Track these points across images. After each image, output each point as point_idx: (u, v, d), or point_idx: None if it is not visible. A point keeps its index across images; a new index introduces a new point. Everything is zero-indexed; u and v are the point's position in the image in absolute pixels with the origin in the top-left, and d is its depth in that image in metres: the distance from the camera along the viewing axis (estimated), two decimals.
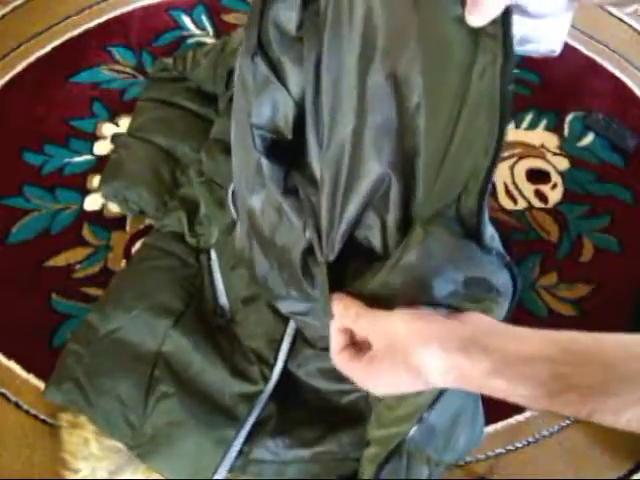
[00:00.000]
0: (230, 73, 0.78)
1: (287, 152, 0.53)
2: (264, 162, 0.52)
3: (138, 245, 0.76)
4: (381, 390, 0.44)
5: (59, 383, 0.62)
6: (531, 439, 0.66)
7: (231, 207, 0.66)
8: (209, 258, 0.70)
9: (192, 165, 0.76)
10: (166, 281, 0.68)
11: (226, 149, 0.73)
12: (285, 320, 0.64)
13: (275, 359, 0.63)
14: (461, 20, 0.39)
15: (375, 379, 0.43)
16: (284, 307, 0.61)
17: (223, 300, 0.68)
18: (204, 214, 0.72)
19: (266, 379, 0.62)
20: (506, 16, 0.38)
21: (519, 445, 0.66)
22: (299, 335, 0.64)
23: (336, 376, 0.62)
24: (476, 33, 0.39)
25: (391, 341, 0.41)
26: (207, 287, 0.68)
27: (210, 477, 0.57)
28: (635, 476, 0.64)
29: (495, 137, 0.41)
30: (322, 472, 0.59)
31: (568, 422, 0.67)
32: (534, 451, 0.66)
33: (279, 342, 0.63)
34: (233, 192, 0.66)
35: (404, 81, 0.43)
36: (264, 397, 0.61)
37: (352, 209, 0.48)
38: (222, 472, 0.58)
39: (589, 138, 0.90)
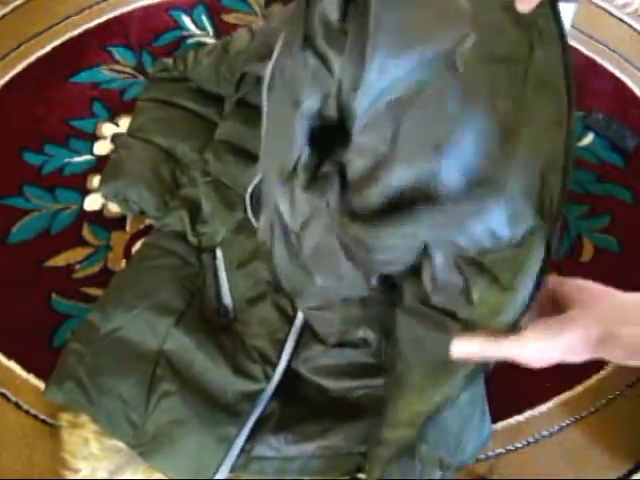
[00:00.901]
0: (242, 77, 0.78)
1: (326, 139, 0.55)
2: (305, 150, 0.54)
3: (138, 245, 0.76)
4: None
5: (60, 382, 0.62)
6: (531, 439, 0.66)
7: (248, 207, 0.67)
8: (214, 257, 0.70)
9: (194, 165, 0.77)
10: (167, 280, 0.68)
11: (233, 151, 0.74)
12: (290, 320, 0.65)
13: (278, 358, 0.63)
14: (510, 6, 0.42)
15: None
16: (302, 303, 0.62)
17: (227, 299, 0.68)
18: (208, 213, 0.72)
19: (268, 378, 0.62)
20: None
21: (519, 445, 0.66)
22: (308, 331, 0.65)
23: (342, 373, 0.63)
24: (526, 16, 0.42)
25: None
26: (210, 286, 0.69)
27: (212, 476, 0.57)
28: (635, 476, 0.64)
29: (565, 110, 0.43)
30: (325, 467, 0.59)
31: (568, 422, 0.67)
32: (534, 451, 0.66)
33: (283, 342, 0.64)
34: (252, 193, 0.67)
35: (465, 71, 0.45)
36: (266, 395, 0.61)
37: (390, 183, 0.48)
38: (224, 470, 0.58)
39: (589, 138, 0.90)
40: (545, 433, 0.67)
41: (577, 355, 0.44)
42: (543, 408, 0.68)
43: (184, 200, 0.74)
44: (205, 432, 0.59)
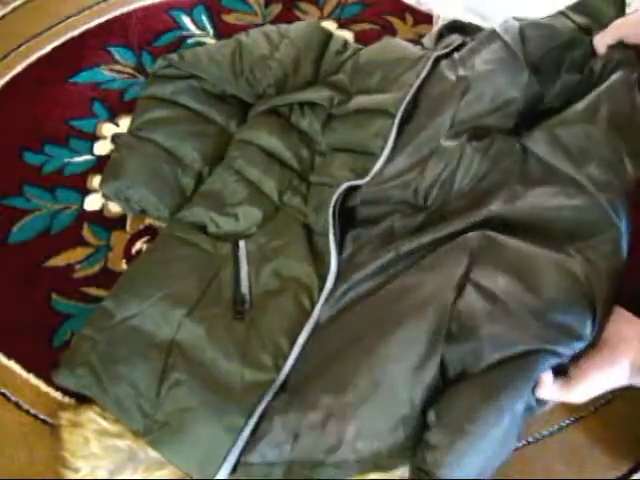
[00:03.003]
0: (283, 81, 0.81)
1: None
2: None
3: (138, 245, 0.76)
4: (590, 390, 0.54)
5: (72, 368, 0.62)
6: (531, 439, 0.66)
7: (332, 201, 0.69)
8: (236, 247, 0.70)
9: (225, 162, 0.77)
10: (183, 270, 0.68)
11: (259, 150, 0.77)
12: (306, 315, 0.65)
13: (290, 350, 0.63)
14: None
15: (587, 384, 0.54)
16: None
17: (245, 289, 0.68)
18: (231, 207, 0.73)
19: (279, 369, 0.62)
20: None
21: (519, 445, 0.66)
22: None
23: None
24: None
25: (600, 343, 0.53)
26: (228, 276, 0.68)
27: (219, 465, 0.58)
28: (635, 476, 0.64)
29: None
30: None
31: (568, 422, 0.67)
32: (534, 451, 0.66)
33: (297, 335, 0.64)
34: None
35: None
36: (275, 387, 0.61)
37: None
38: (231, 460, 0.58)
39: None
40: (545, 433, 0.67)
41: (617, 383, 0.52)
42: (543, 408, 0.68)
43: (206, 194, 0.75)
44: (214, 421, 0.59)
